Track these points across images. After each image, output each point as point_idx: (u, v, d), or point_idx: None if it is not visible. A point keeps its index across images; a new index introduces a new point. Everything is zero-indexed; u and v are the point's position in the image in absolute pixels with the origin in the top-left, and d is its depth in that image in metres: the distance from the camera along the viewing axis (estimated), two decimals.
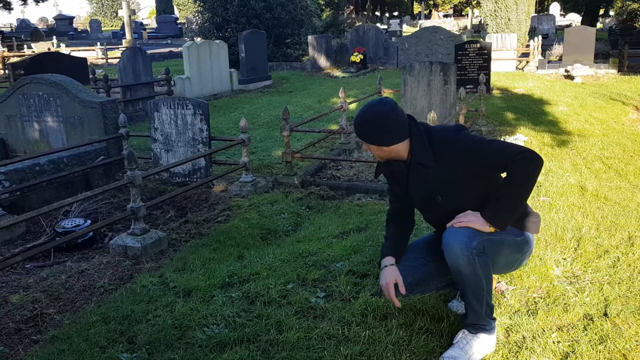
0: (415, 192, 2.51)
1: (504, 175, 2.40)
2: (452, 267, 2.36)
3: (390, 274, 2.49)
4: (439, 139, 2.40)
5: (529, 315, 2.74)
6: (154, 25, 42.45)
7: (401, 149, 2.42)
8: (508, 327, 2.65)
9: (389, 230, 2.69)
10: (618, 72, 14.15)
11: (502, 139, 6.82)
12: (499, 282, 3.06)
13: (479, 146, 2.35)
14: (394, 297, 2.47)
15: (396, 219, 2.70)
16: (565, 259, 3.38)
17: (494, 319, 2.48)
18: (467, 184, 2.39)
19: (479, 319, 2.42)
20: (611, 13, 32.76)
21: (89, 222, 4.48)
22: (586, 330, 2.60)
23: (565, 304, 2.84)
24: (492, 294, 2.45)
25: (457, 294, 2.86)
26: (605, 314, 2.74)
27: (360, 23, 29.37)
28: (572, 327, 2.63)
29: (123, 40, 25.45)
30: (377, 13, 52.21)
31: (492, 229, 2.33)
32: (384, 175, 2.67)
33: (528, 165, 2.29)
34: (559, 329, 2.63)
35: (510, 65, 15.19)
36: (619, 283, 3.04)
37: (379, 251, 3.54)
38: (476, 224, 2.33)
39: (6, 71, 15.30)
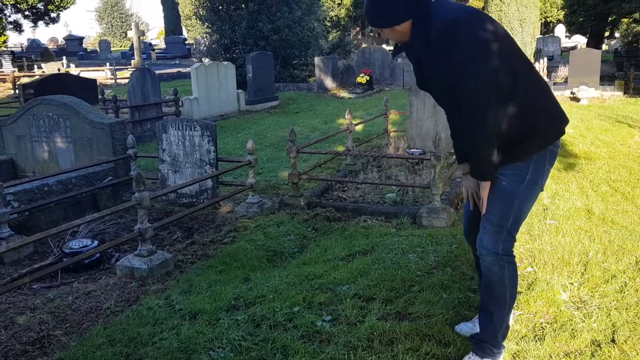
0: (419, 76, 2.44)
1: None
2: (484, 273, 2.41)
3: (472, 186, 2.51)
4: (437, 27, 2.21)
5: (536, 340, 2.72)
6: (163, 45, 42.93)
7: (406, 30, 2.28)
8: (515, 353, 2.64)
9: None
10: (624, 94, 14.17)
11: None
12: None
13: (460, 66, 2.15)
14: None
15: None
16: (572, 283, 3.36)
17: (503, 347, 2.47)
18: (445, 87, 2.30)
19: (491, 337, 2.41)
20: (616, 35, 32.89)
21: (96, 242, 4.51)
22: (594, 356, 2.58)
23: (572, 329, 2.82)
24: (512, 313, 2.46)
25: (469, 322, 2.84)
26: (613, 340, 2.72)
27: (367, 44, 29.62)
28: (580, 353, 2.61)
29: (132, 61, 25.78)
30: None
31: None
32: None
33: (472, 139, 2.23)
34: (566, 355, 2.61)
35: None
36: (626, 308, 3.02)
37: (384, 275, 3.55)
38: (483, 191, 2.33)
39: (17, 91, 15.51)
